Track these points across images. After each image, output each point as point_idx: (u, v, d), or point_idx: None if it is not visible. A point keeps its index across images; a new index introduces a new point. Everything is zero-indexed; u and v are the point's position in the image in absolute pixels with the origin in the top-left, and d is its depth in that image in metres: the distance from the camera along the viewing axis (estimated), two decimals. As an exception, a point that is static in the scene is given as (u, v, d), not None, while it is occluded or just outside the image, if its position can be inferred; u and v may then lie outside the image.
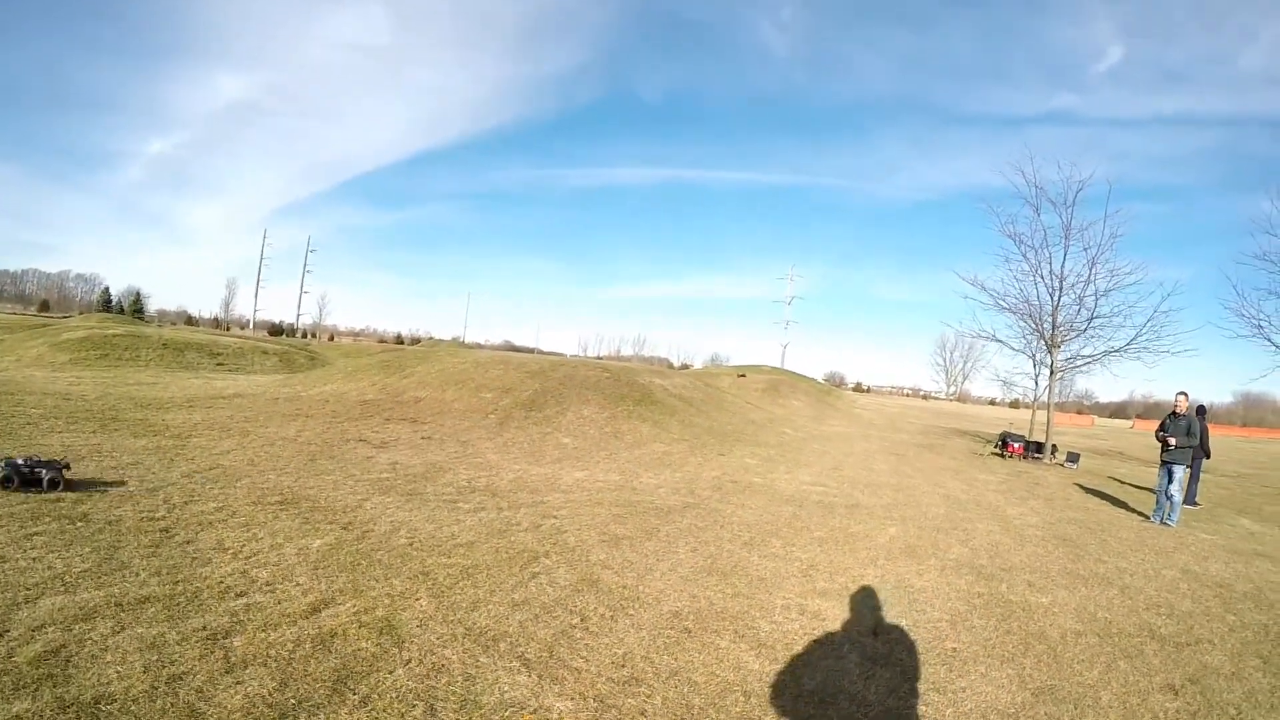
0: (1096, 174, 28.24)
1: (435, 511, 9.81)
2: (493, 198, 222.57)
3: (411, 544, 8.18)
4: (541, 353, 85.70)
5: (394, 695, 4.64)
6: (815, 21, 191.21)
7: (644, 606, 6.93)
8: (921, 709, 5.46)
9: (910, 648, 6.68)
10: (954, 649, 6.75)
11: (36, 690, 4.25)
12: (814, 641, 6.56)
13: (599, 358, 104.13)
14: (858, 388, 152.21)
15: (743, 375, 61.06)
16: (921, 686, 5.84)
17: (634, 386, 25.18)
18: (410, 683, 4.84)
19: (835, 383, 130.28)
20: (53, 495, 8.58)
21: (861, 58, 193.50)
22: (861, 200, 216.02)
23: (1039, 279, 28.96)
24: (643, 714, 4.87)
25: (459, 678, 5.01)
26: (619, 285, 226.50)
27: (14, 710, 4.05)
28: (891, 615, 7.56)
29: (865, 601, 7.92)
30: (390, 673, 4.95)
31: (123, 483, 9.55)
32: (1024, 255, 29.05)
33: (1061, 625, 7.76)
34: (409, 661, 5.18)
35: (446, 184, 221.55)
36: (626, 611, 6.74)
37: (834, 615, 7.34)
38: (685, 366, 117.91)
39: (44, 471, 8.83)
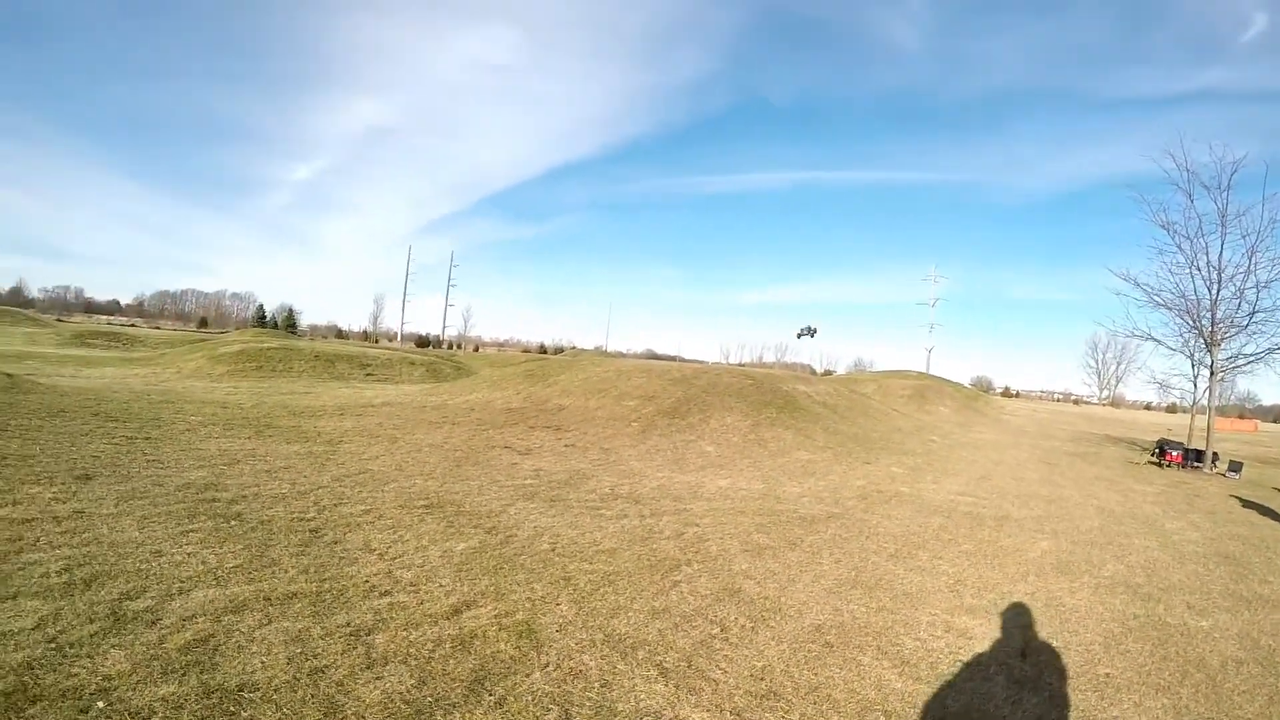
0: (1251, 154, 25.62)
1: (578, 518, 9.82)
2: (628, 207, 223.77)
3: (554, 549, 8.20)
4: (683, 360, 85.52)
5: (530, 698, 4.61)
6: (944, 13, 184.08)
7: (785, 618, 6.77)
8: (1074, 738, 5.18)
9: (1061, 672, 6.35)
10: (1107, 674, 6.38)
11: (184, 675, 4.42)
12: (960, 661, 6.29)
13: (741, 364, 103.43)
14: (1006, 392, 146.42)
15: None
16: (1072, 715, 5.54)
17: (777, 393, 24.92)
18: (547, 686, 4.80)
19: (982, 387, 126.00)
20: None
21: (993, 47, 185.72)
22: (1001, 195, 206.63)
23: (1195, 271, 26.76)
24: (780, 729, 4.73)
25: (595, 684, 4.95)
26: (757, 290, 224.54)
27: (160, 693, 4.21)
28: (1042, 635, 7.20)
29: (1014, 620, 7.57)
30: (527, 675, 4.93)
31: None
32: (1178, 246, 27.16)
33: (1222, 652, 7.26)
34: (546, 665, 5.15)
35: (583, 195, 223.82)
36: (767, 623, 6.59)
37: (981, 634, 7.03)
38: (828, 373, 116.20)
39: None
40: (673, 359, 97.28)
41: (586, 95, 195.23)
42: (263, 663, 4.61)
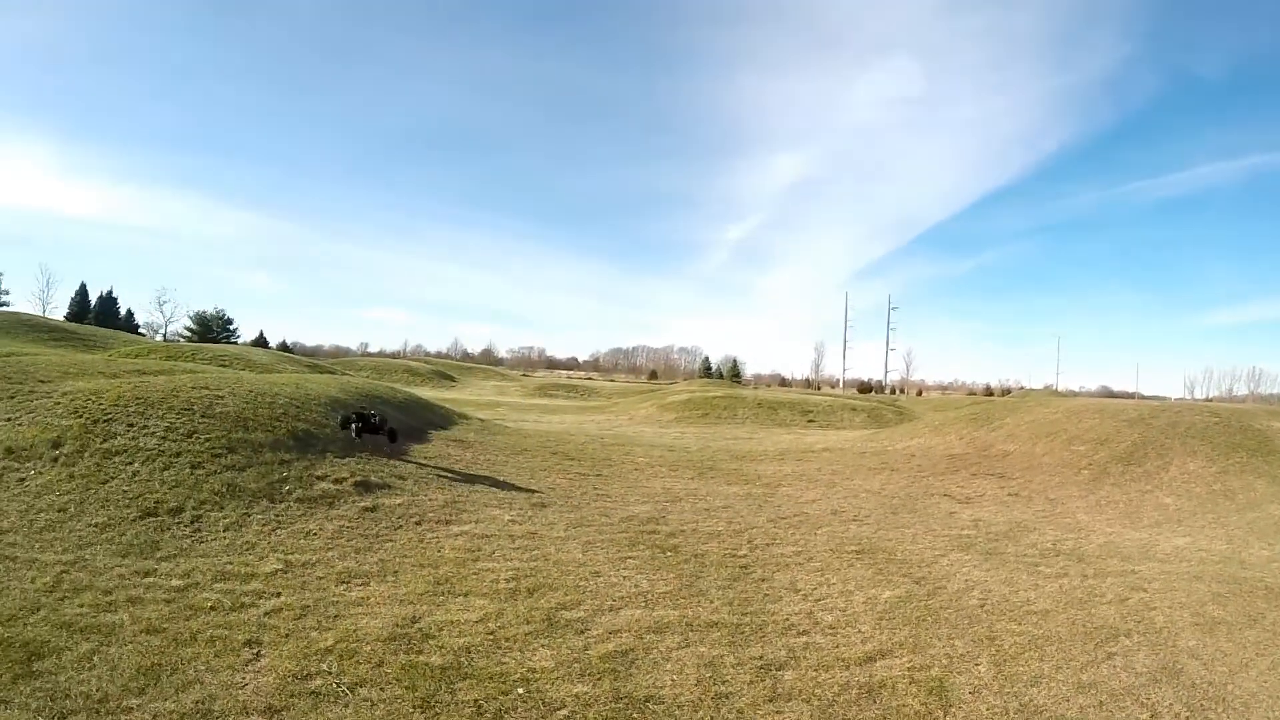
0: None
1: (1013, 573, 9.39)
2: (1064, 227, 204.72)
3: (982, 605, 7.90)
4: (1142, 397, 78.78)
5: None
6: None
7: (1228, 710, 6.02)
8: None
9: None
10: None
11: (599, 680, 4.94)
12: None
13: (1207, 399, 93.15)
14: None
15: None
16: None
17: (1248, 432, 22.06)
18: (954, 750, 4.68)
19: None
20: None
21: None
22: None
23: None
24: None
25: (995, 754, 4.75)
26: (1224, 308, 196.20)
27: (575, 690, 4.78)
28: None
29: None
30: (930, 734, 4.82)
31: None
32: None
33: None
34: (950, 726, 4.99)
35: (1014, 220, 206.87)
36: (1205, 713, 5.91)
37: None
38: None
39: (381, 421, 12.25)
40: (1130, 396, 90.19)
41: (999, 112, 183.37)
42: (673, 680, 4.91)
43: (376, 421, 11.96)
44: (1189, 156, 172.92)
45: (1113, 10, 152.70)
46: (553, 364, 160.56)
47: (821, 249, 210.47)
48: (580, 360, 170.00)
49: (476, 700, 4.60)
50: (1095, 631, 7.47)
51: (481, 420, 20.17)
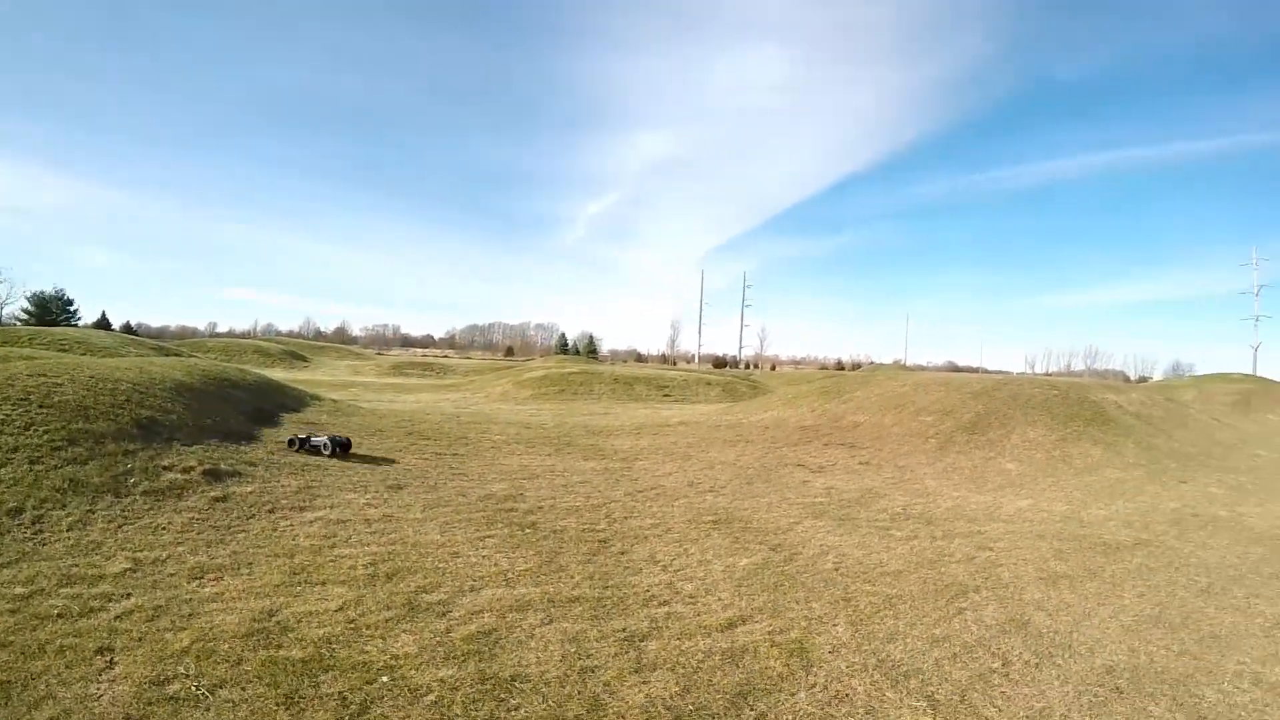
0: None
1: (866, 537, 9.69)
2: (919, 212, 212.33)
3: (837, 569, 8.14)
4: (985, 372, 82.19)
5: (791, 717, 4.62)
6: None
7: (1074, 656, 6.38)
8: None
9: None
10: None
11: (463, 662, 4.89)
12: (1269, 722, 5.76)
13: (1047, 374, 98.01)
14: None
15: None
16: None
17: (1084, 404, 23.44)
18: (810, 707, 4.79)
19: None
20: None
21: None
22: None
23: None
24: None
25: (860, 710, 4.88)
26: (1063, 292, 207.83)
27: (440, 675, 4.71)
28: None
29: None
30: (792, 695, 4.94)
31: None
32: None
33: None
34: (813, 686, 5.13)
35: (871, 204, 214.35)
36: (1054, 660, 6.24)
37: (1283, 703, 6.38)
38: (1143, 379, 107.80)
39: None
40: (974, 371, 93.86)
41: (861, 101, 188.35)
42: (538, 658, 4.91)
43: (318, 444, 11.91)
44: (1038, 151, 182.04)
45: (975, 10, 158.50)
46: (408, 342, 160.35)
47: (681, 227, 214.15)
48: (436, 338, 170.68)
49: (340, 692, 4.49)
50: (946, 589, 7.79)
51: (335, 401, 19.77)
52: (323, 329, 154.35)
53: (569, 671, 4.75)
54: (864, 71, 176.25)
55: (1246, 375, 62.78)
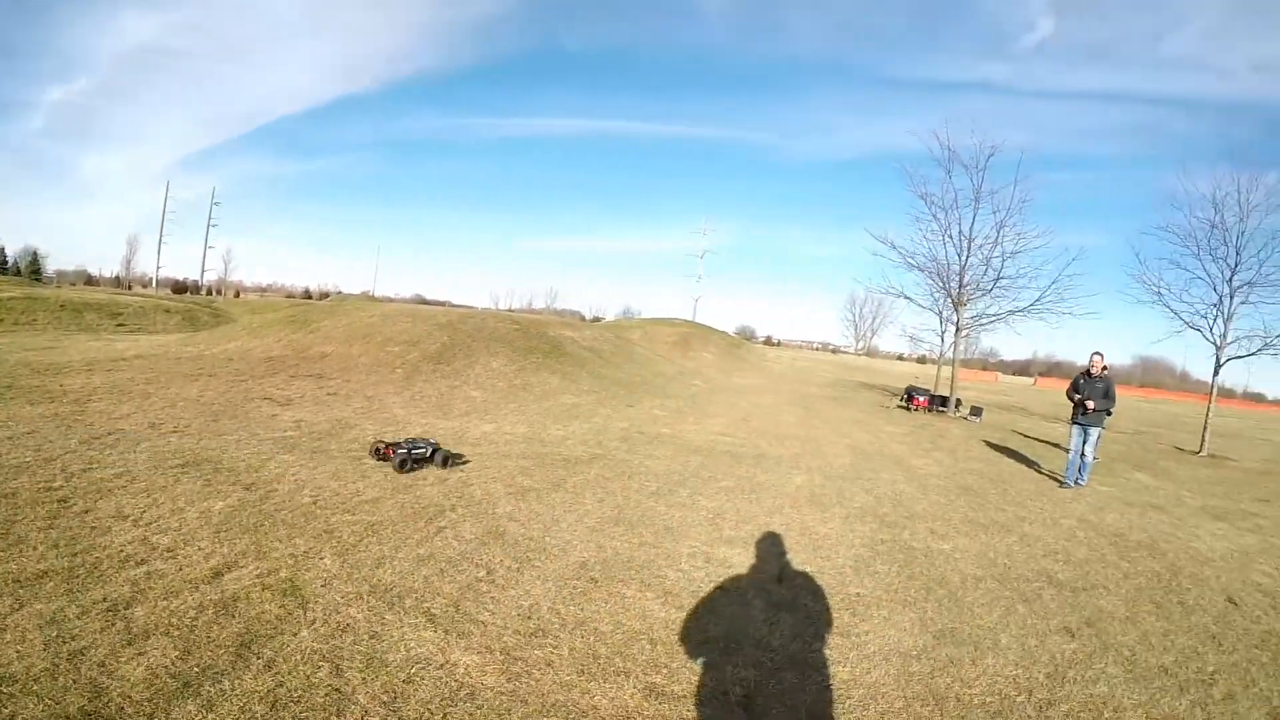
0: (1011, 141, 30.34)
1: (340, 468, 9.76)
2: (408, 146, 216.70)
3: (315, 502, 8.15)
4: (453, 306, 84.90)
5: (299, 657, 4.67)
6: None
7: (550, 558, 7.05)
8: (826, 653, 5.67)
9: (815, 593, 6.92)
10: (858, 594, 7.02)
11: None
12: (719, 589, 6.75)
13: (510, 310, 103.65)
14: (768, 341, 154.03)
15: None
16: (826, 631, 6.07)
17: (543, 339, 25.28)
18: (315, 644, 4.87)
19: (746, 336, 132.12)
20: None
21: (798, 18, 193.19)
22: (786, 157, 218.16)
23: (948, 239, 30.07)
24: (549, 665, 4.98)
25: (364, 636, 5.05)
26: (535, 238, 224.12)
27: None
28: (796, 562, 7.82)
29: (771, 548, 8.16)
30: (295, 634, 4.98)
31: None
32: (934, 215, 30.32)
33: (962, 570, 8.13)
34: (314, 622, 5.20)
35: (361, 133, 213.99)
36: (533, 563, 6.85)
37: (740, 562, 7.56)
38: (597, 319, 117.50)
39: None
40: (443, 305, 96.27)
41: (373, 23, 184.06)
42: (18, 651, 4.41)
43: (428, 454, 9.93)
44: (535, 108, 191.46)
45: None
46: None
47: (152, 129, 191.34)
48: None
49: None
50: (423, 511, 8.18)
51: None
52: None
53: (57, 660, 4.34)
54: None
55: (687, 321, 72.08)
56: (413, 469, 9.87)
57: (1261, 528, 12.63)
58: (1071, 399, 15.19)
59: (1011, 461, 17.68)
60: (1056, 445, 18.03)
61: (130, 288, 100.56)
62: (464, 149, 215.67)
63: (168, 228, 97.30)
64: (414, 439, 10.35)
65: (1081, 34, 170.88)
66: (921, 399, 29.93)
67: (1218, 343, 26.09)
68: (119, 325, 34.08)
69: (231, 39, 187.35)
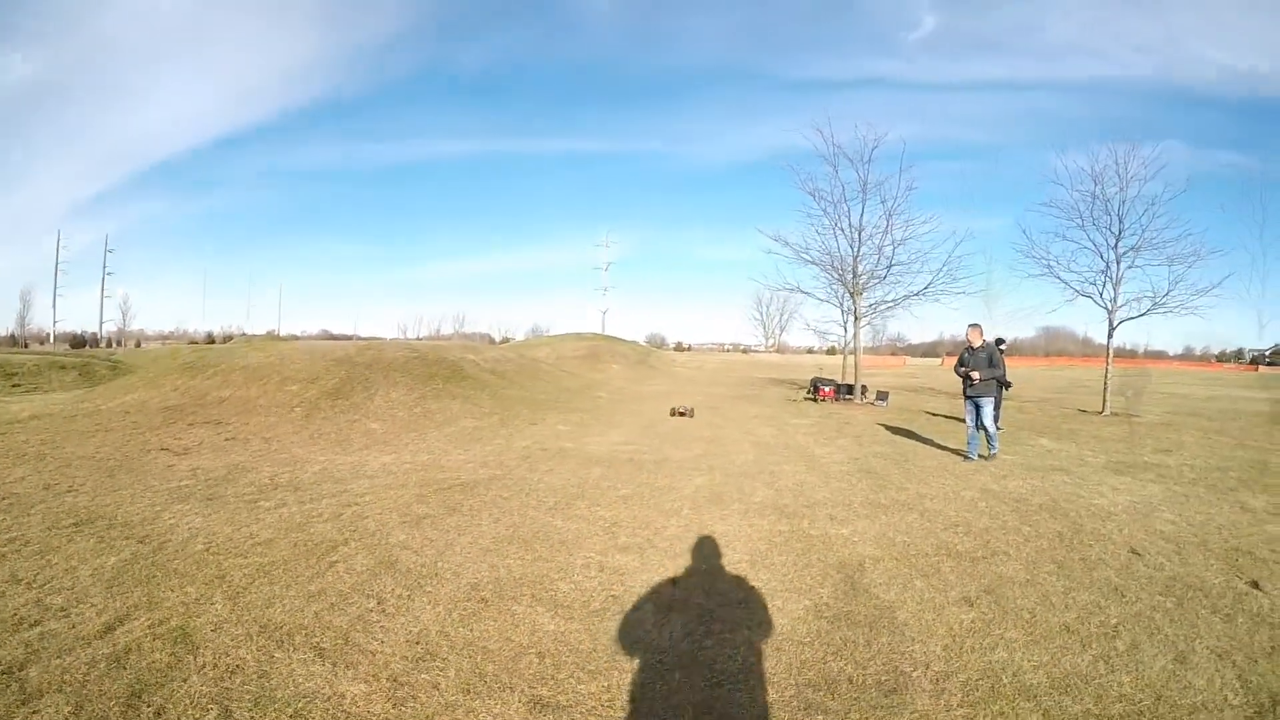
0: (903, 133, 31.32)
1: (234, 513, 9.78)
2: (304, 177, 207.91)
3: (208, 549, 8.19)
4: (359, 339, 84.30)
5: (188, 702, 4.79)
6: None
7: (442, 582, 7.20)
8: (717, 649, 5.87)
9: (708, 591, 7.15)
10: (753, 587, 7.25)
11: None
12: (612, 596, 6.95)
13: (418, 339, 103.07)
14: (679, 347, 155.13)
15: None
16: (717, 627, 6.28)
17: (443, 364, 25.39)
18: (204, 687, 4.98)
19: (656, 344, 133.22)
20: None
21: (682, 26, 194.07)
22: (679, 165, 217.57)
23: (839, 232, 30.77)
24: (435, 687, 5.15)
25: (254, 675, 5.18)
26: (438, 263, 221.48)
27: None
28: (692, 562, 8.04)
29: (666, 551, 8.38)
30: (184, 680, 5.08)
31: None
32: (823, 210, 31.08)
33: (860, 553, 8.38)
34: (203, 667, 5.30)
35: (256, 164, 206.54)
36: (424, 589, 6.99)
37: (634, 569, 7.75)
38: (506, 340, 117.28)
39: None
40: (349, 338, 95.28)
41: (260, 57, 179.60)
42: None
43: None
44: (425, 130, 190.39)
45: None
46: None
47: (39, 174, 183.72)
48: None
49: None
50: (316, 547, 8.27)
51: None
52: None
53: (-50, 732, 4.48)
54: (265, 26, 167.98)
55: (595, 334, 72.49)
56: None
57: (1164, 477, 13.17)
58: (959, 373, 15.55)
59: (915, 442, 18.13)
60: (961, 420, 18.55)
61: (26, 345, 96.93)
62: (360, 177, 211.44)
63: (62, 279, 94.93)
64: None
65: (965, 26, 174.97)
66: (827, 389, 30.55)
67: (1109, 307, 27.24)
68: (14, 386, 33.06)
69: (114, 73, 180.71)
